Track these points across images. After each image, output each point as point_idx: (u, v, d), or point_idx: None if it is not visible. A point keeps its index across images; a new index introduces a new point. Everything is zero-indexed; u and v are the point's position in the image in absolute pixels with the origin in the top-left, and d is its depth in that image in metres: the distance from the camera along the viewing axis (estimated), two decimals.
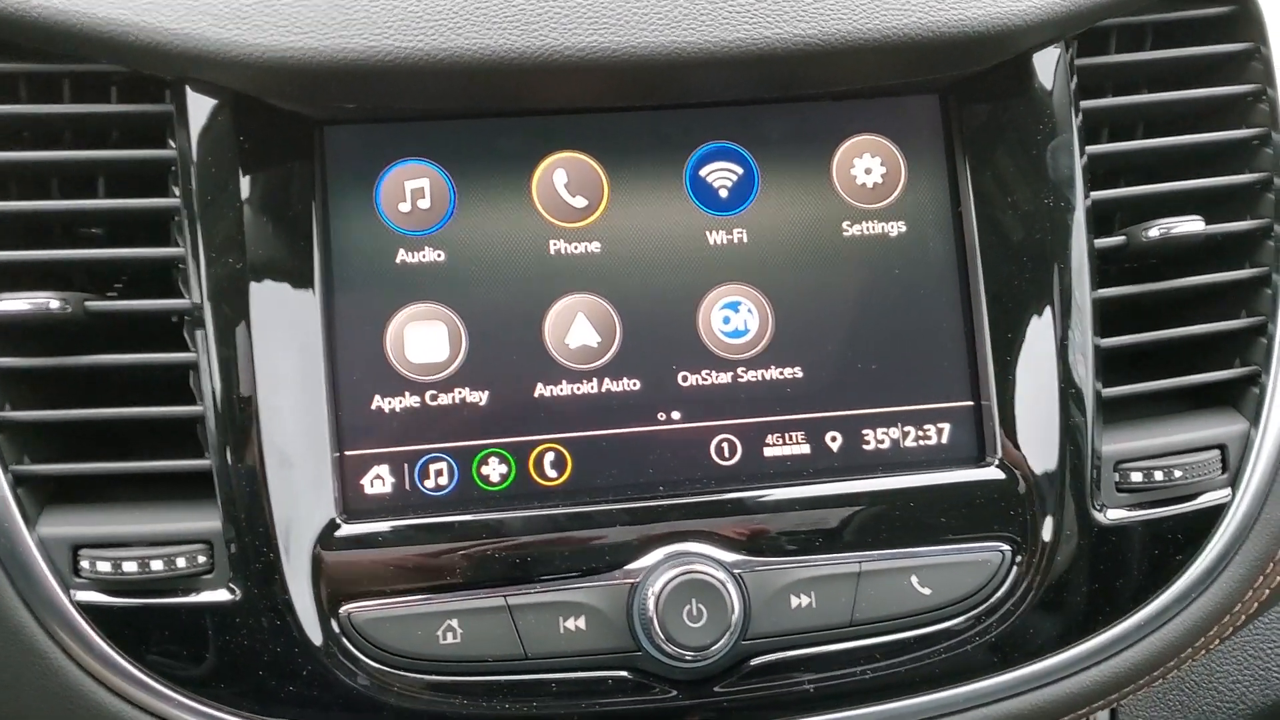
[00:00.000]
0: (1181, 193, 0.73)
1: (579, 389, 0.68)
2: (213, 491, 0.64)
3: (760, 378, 0.69)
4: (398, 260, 0.67)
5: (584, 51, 0.62)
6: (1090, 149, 0.71)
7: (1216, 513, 0.70)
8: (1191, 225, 0.71)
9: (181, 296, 0.66)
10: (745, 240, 0.70)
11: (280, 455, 0.64)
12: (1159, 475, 0.69)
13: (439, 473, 0.67)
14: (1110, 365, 0.71)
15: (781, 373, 0.69)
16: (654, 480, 0.67)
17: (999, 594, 0.68)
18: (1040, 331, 0.69)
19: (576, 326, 0.68)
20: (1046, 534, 0.68)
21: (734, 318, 0.69)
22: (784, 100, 0.70)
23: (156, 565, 0.62)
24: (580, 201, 0.69)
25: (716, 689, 0.66)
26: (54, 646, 0.63)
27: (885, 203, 0.71)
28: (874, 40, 0.64)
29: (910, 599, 0.67)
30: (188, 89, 0.65)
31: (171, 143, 0.66)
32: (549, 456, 0.67)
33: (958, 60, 0.68)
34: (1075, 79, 0.71)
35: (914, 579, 0.67)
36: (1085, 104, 0.72)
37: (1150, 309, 0.74)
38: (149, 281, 0.68)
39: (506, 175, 0.68)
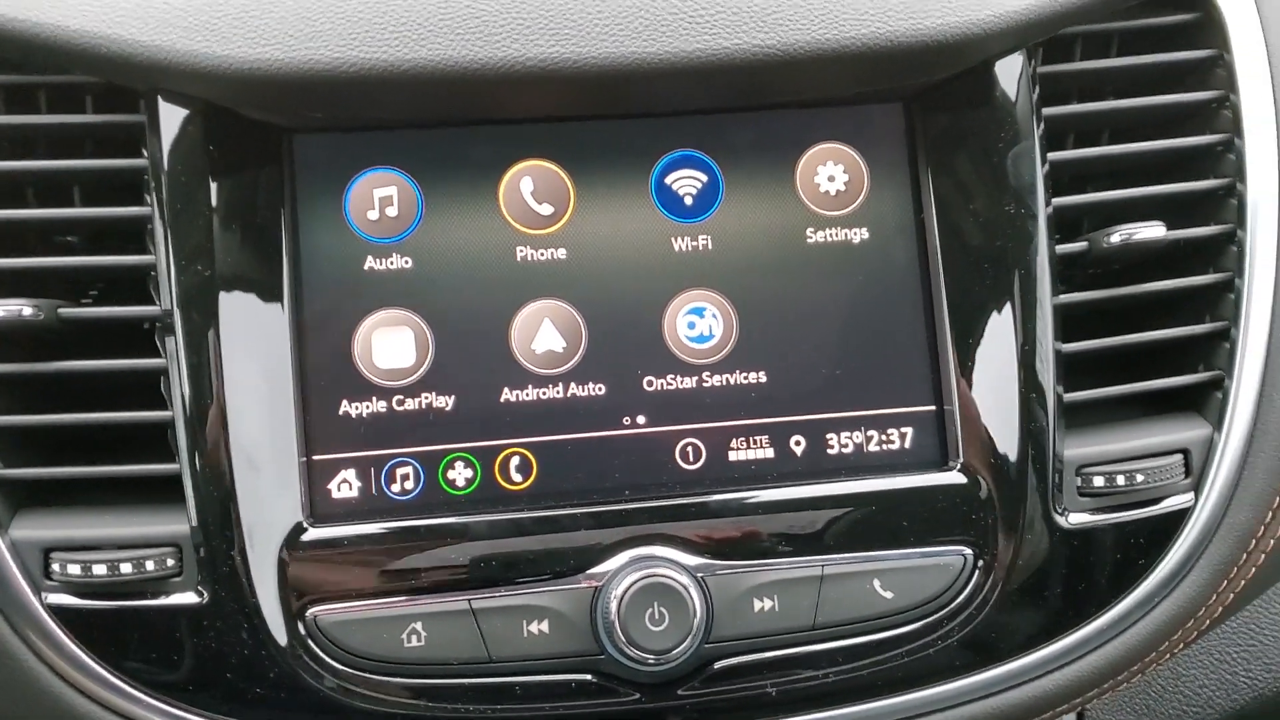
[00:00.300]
0: (1145, 198, 0.73)
1: (545, 394, 0.69)
2: (182, 496, 0.65)
3: (725, 382, 0.70)
4: (365, 267, 0.68)
5: (545, 62, 0.63)
6: (1053, 156, 0.72)
7: (1179, 517, 0.71)
8: (1153, 231, 0.71)
9: (153, 303, 0.67)
10: (710, 247, 0.70)
11: (248, 459, 0.65)
12: (1121, 479, 0.69)
13: (405, 477, 0.67)
14: (1077, 370, 0.71)
15: (746, 377, 0.70)
16: (619, 484, 0.68)
17: (961, 597, 0.68)
18: (1002, 336, 0.70)
19: (543, 332, 0.69)
20: (1008, 538, 0.68)
21: (699, 323, 0.70)
22: (748, 109, 0.71)
23: (126, 568, 0.63)
24: (546, 209, 0.70)
25: (680, 692, 0.66)
26: (25, 649, 0.64)
27: (848, 210, 0.71)
28: (834, 50, 0.65)
29: (872, 602, 0.67)
30: (159, 99, 0.66)
31: (144, 152, 0.67)
32: (514, 460, 0.68)
33: (918, 69, 0.69)
34: (1038, 87, 0.72)
35: (876, 582, 0.67)
36: (1047, 111, 0.72)
37: (1118, 314, 0.74)
38: (123, 288, 0.69)
39: (474, 183, 0.69)
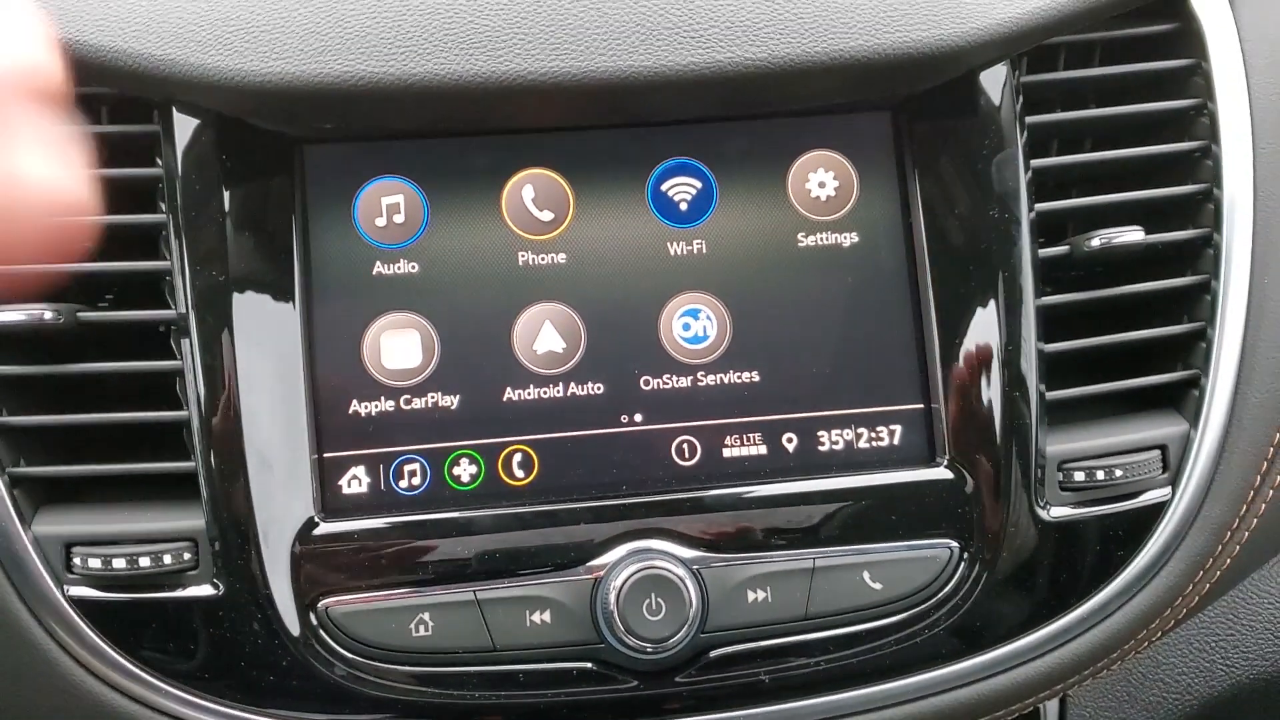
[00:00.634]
0: (1125, 203, 0.76)
1: (546, 393, 0.71)
2: (198, 492, 0.67)
3: (719, 381, 0.72)
4: (374, 272, 0.71)
5: (545, 75, 0.66)
6: (1036, 162, 0.74)
7: (1157, 510, 0.73)
8: (1132, 235, 0.74)
9: (169, 307, 0.69)
10: (704, 251, 0.73)
11: (261, 457, 0.67)
12: (1101, 474, 0.72)
13: (412, 473, 0.70)
14: (1059, 369, 0.74)
15: (739, 377, 0.72)
16: (617, 480, 0.70)
17: (947, 588, 0.71)
18: (987, 337, 0.72)
19: (543, 333, 0.72)
20: (992, 531, 0.71)
21: (694, 324, 0.73)
22: (741, 118, 0.73)
23: (144, 562, 0.66)
24: (547, 215, 0.72)
25: (677, 679, 0.69)
26: (49, 640, 0.67)
27: (839, 215, 0.74)
28: (823, 62, 0.68)
29: (862, 593, 0.70)
30: (173, 110, 0.69)
31: (158, 161, 0.70)
32: (517, 457, 0.71)
33: (905, 80, 0.71)
34: (1021, 96, 0.74)
35: (866, 574, 0.70)
36: (1031, 119, 0.75)
37: (1099, 315, 0.77)
38: (139, 292, 0.71)
39: (477, 191, 0.72)
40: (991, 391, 0.72)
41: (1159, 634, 0.76)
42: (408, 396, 0.70)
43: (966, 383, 0.72)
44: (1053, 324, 0.74)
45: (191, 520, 0.67)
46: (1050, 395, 0.73)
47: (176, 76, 0.66)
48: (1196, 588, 0.75)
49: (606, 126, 0.72)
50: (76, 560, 0.66)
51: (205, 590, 0.67)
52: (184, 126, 0.69)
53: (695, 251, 0.73)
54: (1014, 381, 0.72)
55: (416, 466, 0.70)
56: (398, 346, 0.71)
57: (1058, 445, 0.72)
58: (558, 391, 0.71)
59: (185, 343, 0.68)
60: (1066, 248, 0.74)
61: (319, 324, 0.70)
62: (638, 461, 0.71)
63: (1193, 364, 0.75)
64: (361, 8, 0.66)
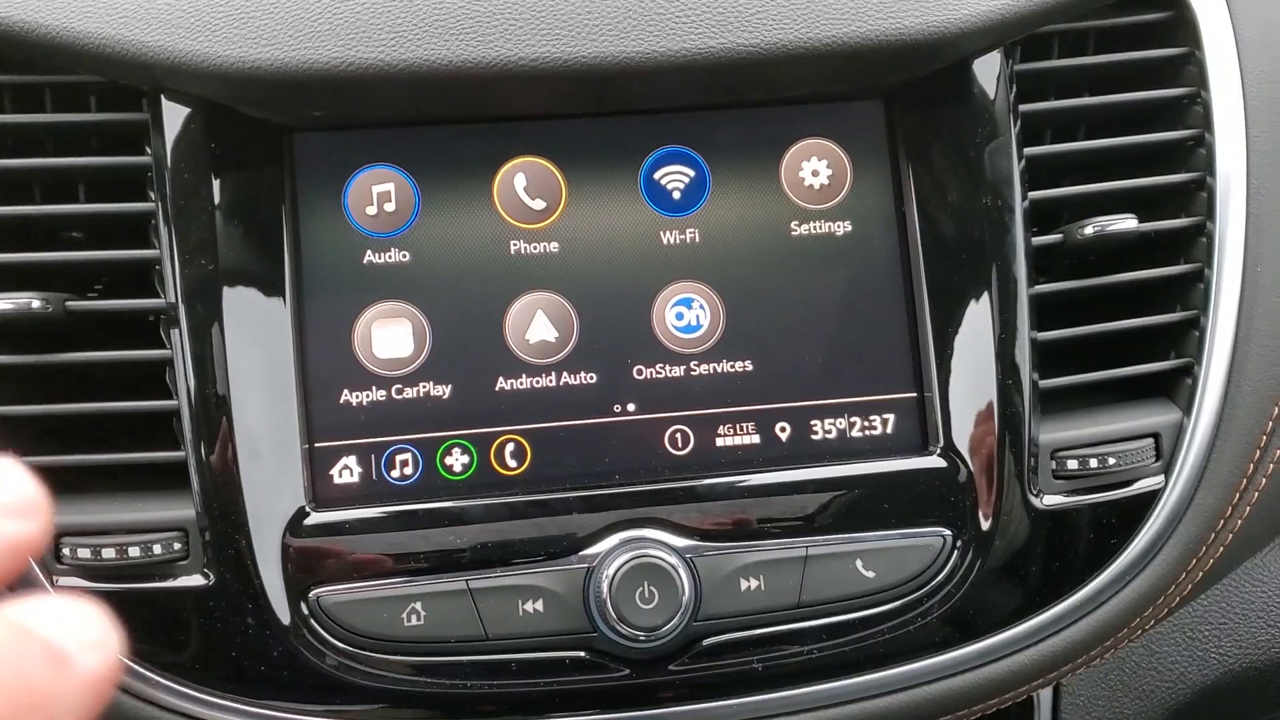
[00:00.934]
0: (1119, 192, 0.76)
1: (538, 382, 0.71)
2: (188, 482, 0.67)
3: (712, 371, 0.72)
4: (365, 261, 0.70)
5: (536, 61, 0.65)
6: (1029, 151, 0.74)
7: (1150, 498, 0.73)
8: (1125, 223, 0.74)
9: (158, 296, 0.69)
10: (697, 240, 0.73)
11: (252, 447, 0.67)
12: (1094, 463, 0.72)
13: (404, 463, 0.70)
14: (1052, 358, 0.74)
15: (732, 366, 0.72)
16: (610, 469, 0.70)
17: (940, 576, 0.71)
18: (980, 325, 0.72)
19: (536, 323, 0.71)
20: (986, 519, 0.71)
21: (687, 314, 0.72)
22: (734, 106, 0.73)
23: (134, 552, 0.66)
24: (539, 204, 0.72)
25: (670, 668, 0.69)
26: None
27: (832, 203, 0.74)
28: (816, 49, 0.67)
29: (855, 582, 0.70)
30: (162, 98, 0.68)
31: (148, 149, 0.69)
32: (509, 447, 0.70)
33: (898, 67, 0.71)
34: (1015, 84, 0.74)
35: (859, 563, 0.70)
36: (1024, 107, 0.74)
37: (1092, 303, 0.77)
38: (128, 282, 0.71)
39: (469, 179, 0.72)
40: (984, 380, 0.72)
41: (1152, 622, 0.76)
42: (399, 386, 0.70)
43: (959, 371, 0.72)
44: (1046, 312, 0.73)
45: (181, 510, 0.67)
46: (1043, 384, 0.72)
47: (165, 64, 0.66)
48: (1189, 576, 0.75)
49: (599, 114, 0.72)
50: (66, 551, 0.66)
51: (195, 580, 0.67)
52: (173, 114, 0.68)
53: (688, 240, 0.72)
54: (1007, 370, 0.72)
55: (408, 456, 0.70)
56: (389, 336, 0.70)
57: (1051, 434, 0.72)
58: (550, 381, 0.71)
59: (175, 332, 0.68)
60: (1060, 236, 0.74)
61: (309, 313, 0.69)
62: (630, 451, 0.71)
63: (1186, 352, 0.75)
64: None
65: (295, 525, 0.67)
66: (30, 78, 0.70)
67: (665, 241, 0.72)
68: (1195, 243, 0.76)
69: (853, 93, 0.74)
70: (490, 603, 0.67)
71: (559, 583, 0.67)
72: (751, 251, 0.73)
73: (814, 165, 0.74)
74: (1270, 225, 0.75)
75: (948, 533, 0.71)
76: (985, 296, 0.72)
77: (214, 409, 0.67)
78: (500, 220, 0.71)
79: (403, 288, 0.70)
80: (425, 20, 0.66)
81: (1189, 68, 0.77)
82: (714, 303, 0.72)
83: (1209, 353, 0.74)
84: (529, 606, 0.67)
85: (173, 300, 0.68)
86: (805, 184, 0.74)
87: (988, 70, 0.74)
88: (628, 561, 0.67)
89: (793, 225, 0.73)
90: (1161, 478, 0.73)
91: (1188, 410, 0.74)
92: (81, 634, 0.35)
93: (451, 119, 0.71)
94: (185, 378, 0.67)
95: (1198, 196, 0.76)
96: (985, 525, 0.71)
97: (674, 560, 0.67)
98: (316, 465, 0.69)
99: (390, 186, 0.71)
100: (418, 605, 0.67)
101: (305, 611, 0.67)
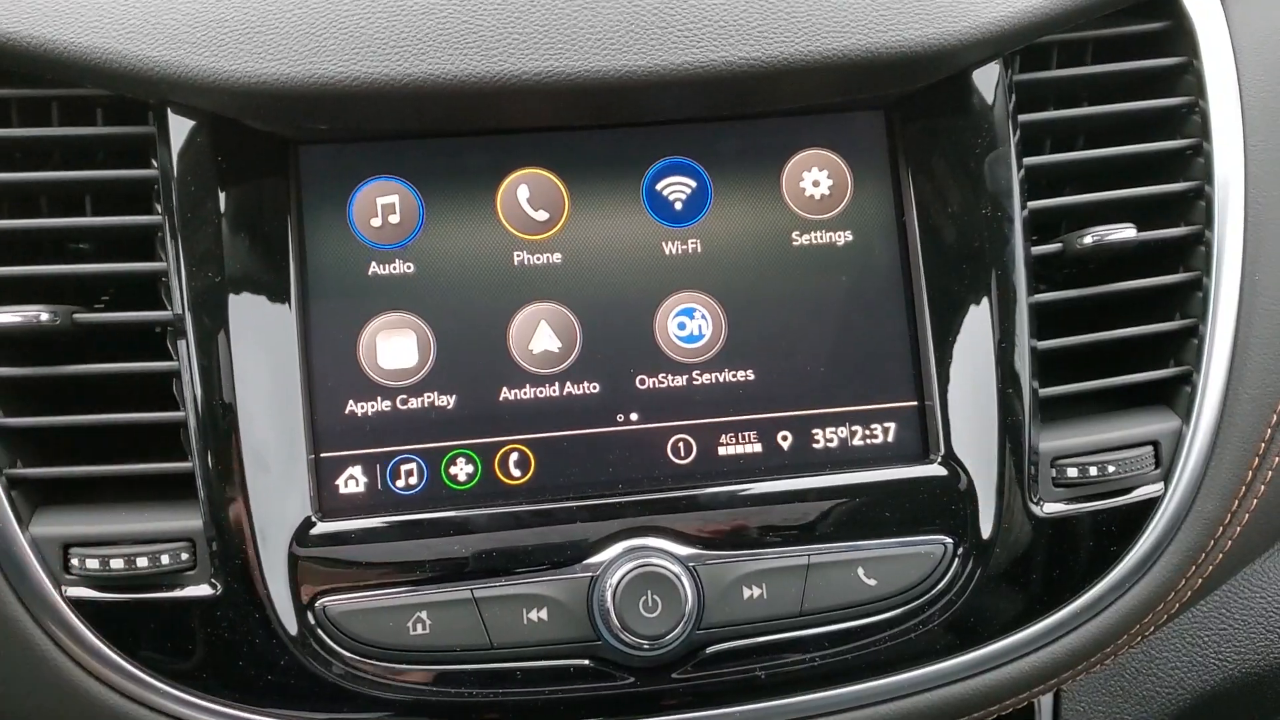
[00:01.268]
0: (1118, 201, 0.76)
1: (541, 392, 0.71)
2: (195, 492, 0.67)
3: (714, 380, 0.73)
4: (369, 272, 0.71)
5: (540, 75, 0.66)
6: (1028, 160, 0.75)
7: (1149, 506, 0.74)
8: (1124, 233, 0.74)
9: (165, 308, 0.69)
10: (699, 250, 0.73)
11: (258, 457, 0.68)
12: (1094, 470, 0.72)
13: (409, 473, 0.70)
14: (1052, 366, 0.74)
15: (734, 375, 0.73)
16: (613, 479, 0.71)
17: (941, 584, 0.71)
18: (980, 334, 0.72)
19: (539, 333, 0.72)
20: (986, 527, 0.71)
21: (689, 323, 0.73)
22: (735, 117, 0.74)
23: (142, 562, 0.66)
24: (542, 215, 0.72)
25: (673, 676, 0.69)
26: (47, 640, 0.67)
27: (833, 213, 0.74)
28: (816, 61, 0.68)
29: (857, 590, 0.70)
30: (169, 112, 0.69)
31: (154, 162, 0.70)
32: (513, 456, 0.71)
33: (898, 79, 0.72)
34: (1014, 94, 0.75)
35: (860, 571, 0.70)
36: (1024, 117, 0.75)
37: (1092, 312, 0.77)
38: (135, 294, 0.71)
39: (472, 191, 0.72)
40: (985, 389, 0.72)
41: (1152, 629, 0.77)
42: (404, 396, 0.71)
43: (960, 380, 0.72)
44: (1045, 321, 0.74)
45: (189, 521, 0.67)
46: (1043, 392, 0.73)
47: (171, 78, 0.66)
48: (1189, 583, 0.75)
49: (601, 126, 0.73)
50: (74, 561, 0.67)
51: (203, 590, 0.67)
52: (179, 128, 0.69)
53: (690, 251, 0.73)
54: (1007, 378, 0.72)
55: (413, 466, 0.70)
56: (394, 346, 0.71)
57: (1051, 441, 0.73)
58: (554, 391, 0.71)
59: (182, 344, 0.68)
60: (1059, 245, 0.75)
61: (315, 324, 0.70)
62: (633, 460, 0.71)
63: (1184, 360, 0.75)
64: (355, 8, 0.67)
65: (302, 535, 0.68)
66: (37, 91, 0.71)
67: (667, 252, 0.73)
68: (1194, 251, 0.76)
69: (853, 104, 0.74)
70: (495, 611, 0.67)
71: (563, 591, 0.68)
72: (753, 261, 0.73)
73: (815, 175, 0.74)
74: (1268, 233, 0.75)
75: (949, 540, 0.71)
76: (985, 305, 0.73)
77: (220, 420, 0.67)
78: (503, 231, 0.72)
79: (407, 299, 0.71)
80: (429, 35, 0.66)
81: (1187, 77, 0.77)
82: (716, 313, 0.73)
83: (1208, 360, 0.74)
84: (533, 615, 0.68)
85: (179, 312, 0.68)
86: (806, 194, 0.74)
87: (987, 81, 0.74)
88: (631, 570, 0.67)
89: (794, 235, 0.74)
90: (1161, 485, 0.74)
91: (1187, 418, 0.74)
92: None
93: (455, 131, 0.72)
94: (192, 389, 0.68)
95: (1196, 205, 0.76)
96: (986, 533, 0.71)
97: (677, 569, 0.68)
98: (322, 475, 0.69)
99: (394, 198, 0.72)
100: (423, 614, 0.67)
101: (312, 621, 0.67)
